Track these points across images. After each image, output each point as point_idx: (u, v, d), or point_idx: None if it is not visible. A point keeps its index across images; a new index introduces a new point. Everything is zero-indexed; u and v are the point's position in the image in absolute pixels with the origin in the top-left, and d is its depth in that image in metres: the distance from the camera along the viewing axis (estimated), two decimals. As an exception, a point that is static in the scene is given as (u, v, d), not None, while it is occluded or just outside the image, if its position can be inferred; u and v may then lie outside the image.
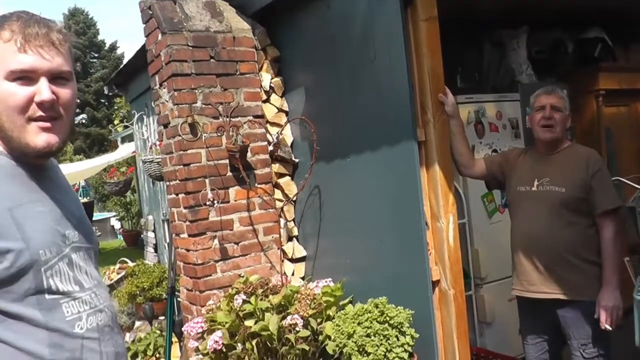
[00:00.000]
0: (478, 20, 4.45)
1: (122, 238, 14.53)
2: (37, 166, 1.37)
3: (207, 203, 3.53)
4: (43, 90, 1.29)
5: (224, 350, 3.15)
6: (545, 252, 2.95)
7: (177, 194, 3.74)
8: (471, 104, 4.25)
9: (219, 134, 3.66)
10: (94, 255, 1.49)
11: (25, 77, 1.28)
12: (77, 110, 33.09)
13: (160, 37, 3.67)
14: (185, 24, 3.62)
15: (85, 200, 15.53)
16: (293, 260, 3.93)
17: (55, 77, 1.33)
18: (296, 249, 3.91)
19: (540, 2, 4.21)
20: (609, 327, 2.75)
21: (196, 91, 3.62)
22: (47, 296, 1.27)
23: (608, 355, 2.92)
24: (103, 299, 1.42)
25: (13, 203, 1.25)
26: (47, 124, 1.32)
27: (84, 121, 33.24)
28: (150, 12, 3.75)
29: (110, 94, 8.16)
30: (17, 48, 1.27)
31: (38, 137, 1.31)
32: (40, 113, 1.30)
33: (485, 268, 4.21)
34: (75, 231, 1.39)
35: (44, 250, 1.27)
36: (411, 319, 2.88)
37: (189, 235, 3.64)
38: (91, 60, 33.80)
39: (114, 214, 16.19)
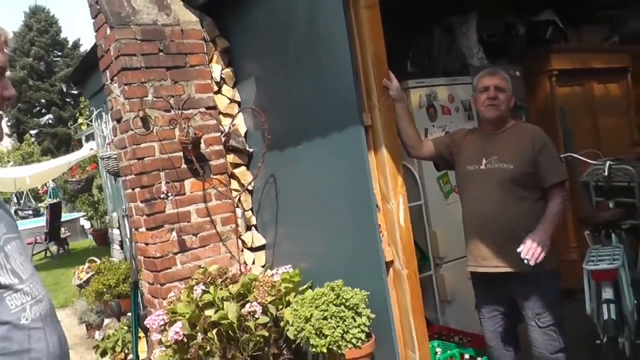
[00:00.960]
0: (428, 7, 4.49)
1: (92, 238, 14.40)
2: None
3: (162, 196, 3.54)
4: (10, 86, 1.40)
5: (185, 340, 3.17)
6: (497, 227, 3.00)
7: (133, 189, 3.74)
8: (423, 88, 4.30)
9: (172, 127, 3.67)
10: (22, 243, 1.50)
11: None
12: (43, 111, 32.68)
13: (108, 31, 3.66)
14: (132, 18, 3.61)
15: (53, 201, 15.38)
16: (253, 249, 3.95)
17: None
18: (255, 238, 3.94)
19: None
20: (529, 259, 2.77)
21: (147, 85, 3.62)
22: None
23: (562, 323, 3.00)
24: (40, 289, 1.44)
25: None
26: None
27: (50, 121, 32.77)
28: (98, 7, 3.74)
29: (69, 92, 8.06)
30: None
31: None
32: (3, 105, 1.40)
33: (444, 248, 4.28)
34: (1, 222, 1.40)
35: None
36: (367, 300, 2.94)
37: (147, 229, 3.65)
38: (54, 59, 33.28)
39: (82, 213, 16.01)
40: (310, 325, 2.88)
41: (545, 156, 2.97)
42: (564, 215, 2.99)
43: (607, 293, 3.21)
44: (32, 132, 31.65)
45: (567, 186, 3.06)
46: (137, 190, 3.67)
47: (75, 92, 8.16)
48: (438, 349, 3.49)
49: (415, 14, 4.47)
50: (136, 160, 3.59)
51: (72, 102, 31.23)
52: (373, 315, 2.91)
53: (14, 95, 1.41)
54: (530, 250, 2.77)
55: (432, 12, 4.72)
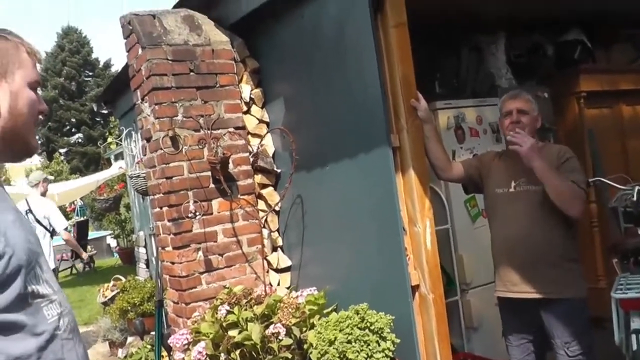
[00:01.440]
0: (455, 26, 4.48)
1: (118, 256, 14.51)
2: None
3: (189, 215, 3.55)
4: (42, 101, 1.46)
5: (209, 360, 3.16)
6: (526, 252, 2.96)
7: (161, 207, 3.76)
8: (450, 110, 4.28)
9: (200, 147, 3.69)
10: (46, 260, 1.51)
11: (36, 88, 1.44)
12: (73, 130, 33.25)
13: (140, 51, 3.71)
14: (164, 38, 3.66)
15: (80, 219, 15.56)
16: (278, 271, 3.94)
17: None
18: (281, 259, 3.93)
19: (518, 13, 4.25)
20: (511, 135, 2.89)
21: (177, 104, 3.65)
22: (30, 300, 1.30)
23: (592, 353, 2.93)
24: (66, 302, 1.46)
25: None
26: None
27: (80, 140, 33.27)
28: (130, 27, 3.79)
29: (100, 111, 8.20)
30: (35, 62, 1.44)
31: (35, 138, 1.45)
32: (39, 119, 1.46)
33: (471, 273, 4.22)
34: (32, 236, 1.42)
35: (25, 256, 1.30)
36: (392, 324, 2.90)
37: (173, 248, 3.66)
38: (86, 79, 33.84)
39: (109, 232, 16.18)
40: (334, 348, 2.85)
41: (568, 167, 2.92)
42: (564, 195, 2.84)
43: (636, 323, 3.12)
44: (62, 150, 32.17)
45: (585, 196, 2.94)
46: (164, 209, 3.69)
47: (106, 111, 8.28)
48: (464, 376, 3.44)
49: (443, 33, 4.47)
50: (165, 179, 3.61)
51: (101, 122, 31.70)
52: (398, 340, 2.86)
53: (47, 110, 1.47)
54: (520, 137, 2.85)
55: (459, 32, 4.71)
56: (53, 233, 6.52)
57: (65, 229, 6.76)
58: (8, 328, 1.25)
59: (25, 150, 1.43)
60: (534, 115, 3.05)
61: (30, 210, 6.29)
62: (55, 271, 7.03)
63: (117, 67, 33.71)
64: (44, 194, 6.70)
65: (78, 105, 32.10)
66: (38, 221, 6.27)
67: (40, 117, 1.46)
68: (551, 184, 2.82)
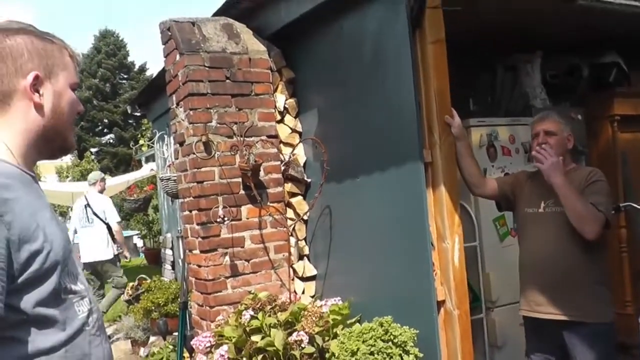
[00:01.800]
0: (492, 44, 4.48)
1: (144, 256, 14.65)
2: (32, 175, 1.48)
3: (219, 220, 3.60)
4: (80, 102, 1.52)
5: (231, 364, 3.19)
6: (553, 273, 2.94)
7: (190, 211, 3.81)
8: (484, 127, 4.27)
9: (233, 153, 3.74)
10: (74, 258, 1.57)
11: (75, 89, 1.50)
12: (105, 130, 33.74)
13: (178, 57, 3.78)
14: (202, 45, 3.72)
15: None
16: (303, 279, 3.96)
17: None
18: (307, 268, 3.95)
19: (556, 33, 4.23)
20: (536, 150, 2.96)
21: (211, 110, 3.71)
22: (63, 296, 1.34)
23: None
24: (94, 299, 1.52)
25: (33, 209, 1.33)
26: None
27: (111, 141, 33.76)
28: (170, 34, 3.86)
29: (133, 113, 8.33)
30: (76, 65, 1.50)
31: (72, 137, 1.52)
32: (75, 118, 1.52)
33: (497, 291, 4.18)
34: (65, 234, 1.46)
35: (61, 252, 1.35)
36: (415, 338, 2.90)
37: (201, 252, 3.71)
38: (120, 81, 34.38)
39: (136, 232, 16.35)
40: (356, 359, 2.86)
41: (592, 189, 2.88)
42: (580, 215, 2.80)
43: (663, 349, 3.09)
44: (93, 150, 32.65)
45: (606, 224, 2.87)
46: (194, 212, 3.74)
47: (139, 114, 8.41)
48: (485, 395, 3.41)
49: (480, 50, 4.47)
50: (196, 184, 3.66)
51: (134, 124, 32.12)
52: (421, 355, 2.87)
53: (83, 110, 1.54)
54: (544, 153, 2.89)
55: (496, 49, 4.70)
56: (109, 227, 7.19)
57: (118, 222, 7.47)
58: (41, 322, 1.28)
59: (63, 148, 1.50)
60: (563, 136, 3.03)
61: (88, 205, 7.22)
62: (118, 257, 7.56)
63: (151, 71, 34.23)
64: (101, 192, 7.57)
65: (111, 106, 32.61)
66: (96, 214, 7.17)
67: (76, 117, 1.52)
68: (569, 203, 2.81)
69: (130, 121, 32.61)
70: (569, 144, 3.06)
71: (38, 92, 1.39)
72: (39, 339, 1.28)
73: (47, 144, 1.45)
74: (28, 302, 1.26)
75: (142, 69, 34.99)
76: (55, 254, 1.32)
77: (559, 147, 3.00)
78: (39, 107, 1.40)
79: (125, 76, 34.62)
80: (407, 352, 2.85)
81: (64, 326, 1.33)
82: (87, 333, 1.39)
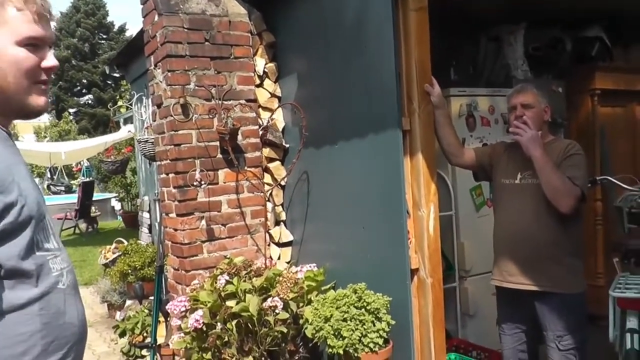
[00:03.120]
0: (475, 15, 4.45)
1: (121, 219, 14.61)
2: (7, 132, 1.43)
3: (195, 183, 3.57)
4: (51, 58, 1.43)
5: (205, 329, 3.19)
6: (527, 244, 2.96)
7: (167, 174, 3.78)
8: (464, 97, 4.27)
9: (211, 116, 3.70)
10: (51, 219, 1.55)
11: (35, 44, 1.38)
12: (84, 91, 33.25)
13: (156, 18, 3.70)
14: (182, 6, 3.65)
15: (86, 179, 15.63)
16: (279, 245, 3.96)
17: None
18: (283, 234, 3.95)
19: (539, 2, 4.21)
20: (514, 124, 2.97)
21: (190, 73, 3.65)
22: (37, 252, 1.33)
23: (583, 349, 2.94)
24: (69, 260, 1.50)
25: (8, 162, 1.32)
26: (46, 87, 1.45)
27: (90, 102, 33.33)
28: (148, -7, 3.77)
29: (112, 74, 8.20)
30: (32, 18, 1.36)
31: (40, 98, 1.42)
32: (44, 77, 1.42)
33: (471, 261, 4.24)
34: (40, 193, 1.44)
35: (35, 208, 1.34)
36: (388, 305, 2.92)
37: (177, 215, 3.69)
38: (99, 41, 33.84)
39: (114, 194, 16.25)
40: (329, 325, 2.87)
41: (569, 162, 2.89)
42: (556, 189, 2.80)
43: (632, 322, 3.15)
44: (71, 110, 32.22)
45: (581, 197, 2.85)
46: (171, 175, 3.71)
47: (117, 75, 8.32)
48: (455, 362, 3.46)
49: (463, 20, 4.44)
50: (173, 146, 3.62)
51: (112, 85, 31.73)
52: (393, 322, 2.88)
53: (55, 67, 1.45)
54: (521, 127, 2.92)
55: (479, 20, 4.67)
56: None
57: None
58: (15, 276, 1.28)
59: (25, 111, 1.42)
60: (540, 108, 3.03)
61: None
62: None
63: (131, 32, 33.67)
64: None
65: (90, 66, 32.14)
66: None
67: (48, 76, 1.43)
68: (545, 176, 2.82)
69: (109, 82, 32.22)
70: (545, 115, 3.06)
71: None
72: (12, 295, 1.28)
73: (3, 106, 1.39)
74: (2, 254, 1.25)
75: (122, 29, 34.45)
76: (29, 209, 1.31)
77: (536, 119, 3.00)
78: None
79: (105, 36, 34.08)
80: (380, 319, 2.87)
81: (37, 282, 1.32)
82: (62, 291, 1.39)
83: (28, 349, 1.29)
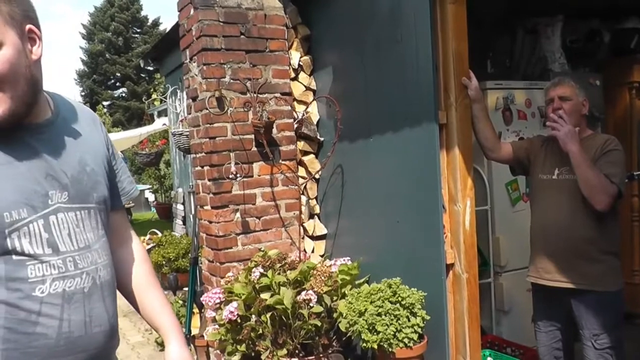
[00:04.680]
0: (513, 7, 4.38)
1: (155, 210, 14.79)
2: (7, 129, 1.31)
3: (230, 176, 3.59)
4: None
5: (239, 321, 3.21)
6: (564, 242, 2.92)
7: (202, 167, 3.80)
8: (500, 90, 4.21)
9: (246, 109, 3.71)
10: (95, 214, 1.46)
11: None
12: (117, 84, 33.65)
13: (192, 11, 3.72)
14: (217, 0, 3.66)
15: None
16: (313, 238, 3.97)
17: None
18: (317, 227, 3.96)
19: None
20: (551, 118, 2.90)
21: (225, 66, 3.67)
22: (13, 257, 1.28)
23: (620, 348, 2.88)
24: (87, 264, 1.40)
25: None
26: None
27: (124, 95, 33.73)
28: (184, -13, 3.80)
29: (146, 67, 8.29)
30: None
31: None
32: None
33: (506, 256, 4.19)
34: (65, 191, 1.37)
35: (10, 212, 1.26)
36: (423, 300, 2.91)
37: (212, 208, 3.72)
38: (133, 35, 34.14)
39: (148, 186, 16.45)
40: (363, 319, 2.87)
41: (607, 158, 2.83)
42: (592, 186, 2.74)
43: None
44: (105, 103, 32.67)
45: (618, 195, 2.78)
46: (206, 168, 3.73)
47: (152, 68, 8.43)
48: (489, 359, 3.43)
49: (500, 13, 4.37)
50: (208, 139, 3.65)
51: (146, 78, 32.05)
52: (428, 317, 2.87)
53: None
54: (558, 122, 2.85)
55: (517, 12, 4.60)
56: None
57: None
58: None
59: None
60: (578, 101, 2.97)
61: None
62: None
63: (165, 26, 33.96)
64: None
65: (124, 60, 32.48)
66: None
67: None
68: (582, 172, 2.76)
69: (142, 75, 32.54)
70: (584, 109, 3.00)
71: None
72: None
73: None
74: None
75: (156, 23, 34.72)
76: None
77: (573, 112, 2.94)
78: None
79: (139, 30, 34.38)
80: (415, 314, 2.86)
81: (6, 286, 1.27)
82: (36, 300, 1.30)
83: None
